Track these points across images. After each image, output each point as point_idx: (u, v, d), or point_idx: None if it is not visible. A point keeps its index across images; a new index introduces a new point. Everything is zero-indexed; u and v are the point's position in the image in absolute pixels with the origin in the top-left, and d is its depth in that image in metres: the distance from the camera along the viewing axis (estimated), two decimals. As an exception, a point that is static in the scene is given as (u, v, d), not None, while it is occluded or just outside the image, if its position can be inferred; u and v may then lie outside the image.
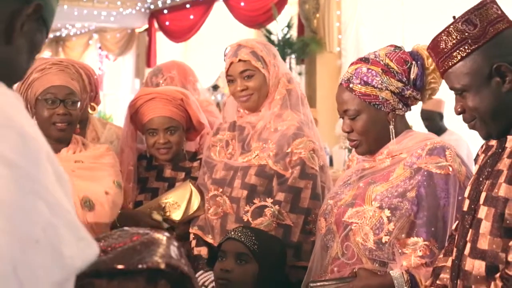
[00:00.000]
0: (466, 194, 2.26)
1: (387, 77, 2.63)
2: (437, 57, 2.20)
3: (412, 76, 2.65)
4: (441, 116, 7.14)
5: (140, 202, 3.53)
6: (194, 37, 13.49)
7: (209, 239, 3.30)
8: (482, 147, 2.34)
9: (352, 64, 2.75)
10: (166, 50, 14.88)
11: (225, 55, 3.42)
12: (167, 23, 14.19)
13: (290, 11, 10.81)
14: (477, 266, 2.07)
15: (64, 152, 3.19)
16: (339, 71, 10.54)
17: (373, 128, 2.67)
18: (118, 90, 16.53)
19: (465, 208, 2.22)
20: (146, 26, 15.03)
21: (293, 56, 10.40)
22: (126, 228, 1.82)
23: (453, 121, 6.62)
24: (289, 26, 10.46)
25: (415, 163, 2.59)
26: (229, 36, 12.77)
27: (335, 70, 10.59)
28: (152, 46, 14.96)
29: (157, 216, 3.38)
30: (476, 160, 2.35)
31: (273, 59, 3.37)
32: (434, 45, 2.21)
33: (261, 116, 3.36)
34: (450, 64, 2.16)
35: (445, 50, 2.16)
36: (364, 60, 2.70)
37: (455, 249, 2.23)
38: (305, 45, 10.29)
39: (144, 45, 15.18)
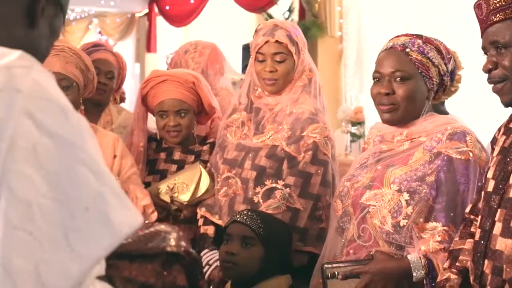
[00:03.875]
0: (490, 175, 2.24)
1: (439, 56, 2.63)
2: (489, 8, 2.18)
3: (450, 67, 2.66)
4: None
5: (149, 183, 3.54)
6: (194, 22, 13.43)
7: (216, 219, 3.31)
8: (499, 130, 2.33)
9: (401, 35, 2.71)
10: (166, 34, 14.83)
11: (256, 31, 3.39)
12: (167, 7, 14.13)
13: (292, -5, 10.78)
14: (510, 246, 2.06)
15: None
16: (340, 55, 10.52)
17: (415, 98, 2.63)
18: (117, 75, 16.48)
19: (490, 188, 2.20)
20: (146, 10, 14.97)
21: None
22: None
23: (454, 106, 6.64)
24: (290, 10, 10.44)
25: (435, 147, 2.57)
26: (230, 20, 12.77)
27: (336, 55, 10.57)
28: (152, 30, 14.91)
29: (166, 197, 3.40)
30: (493, 142, 2.34)
31: (303, 46, 3.36)
32: None
33: (279, 99, 3.34)
34: (503, 17, 2.15)
35: (502, 3, 2.15)
36: (416, 35, 2.67)
37: (479, 230, 2.21)
38: (306, 30, 10.23)
39: (144, 29, 15.12)
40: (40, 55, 1.33)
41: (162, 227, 1.77)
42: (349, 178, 2.78)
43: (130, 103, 14.99)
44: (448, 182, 2.51)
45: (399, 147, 2.69)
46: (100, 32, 16.91)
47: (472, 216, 2.41)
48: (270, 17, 10.45)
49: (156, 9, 14.66)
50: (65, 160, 1.04)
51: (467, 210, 2.45)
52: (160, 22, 14.73)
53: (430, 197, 2.50)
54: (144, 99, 3.62)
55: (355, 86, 10.10)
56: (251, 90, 3.42)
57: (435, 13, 9.11)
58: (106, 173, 1.11)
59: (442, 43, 2.69)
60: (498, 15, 2.17)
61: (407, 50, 2.62)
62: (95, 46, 3.96)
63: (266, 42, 3.27)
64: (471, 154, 2.52)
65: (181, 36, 14.44)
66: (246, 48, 10.15)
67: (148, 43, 15.00)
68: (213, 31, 13.26)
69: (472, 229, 2.37)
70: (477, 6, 2.27)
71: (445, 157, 2.53)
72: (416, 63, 2.61)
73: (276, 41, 3.26)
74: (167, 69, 4.28)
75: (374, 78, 2.72)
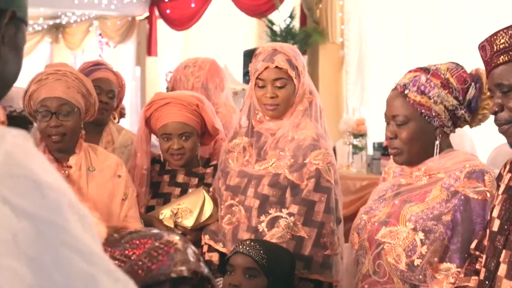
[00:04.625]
0: (495, 214, 2.23)
1: (445, 91, 2.57)
2: (492, 51, 2.18)
3: (468, 96, 2.59)
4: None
5: (152, 207, 3.53)
6: (195, 26, 13.44)
7: (220, 247, 3.30)
8: (505, 166, 2.32)
9: (410, 71, 2.69)
10: (167, 38, 14.83)
11: (255, 55, 3.36)
12: (168, 11, 14.14)
13: (292, 1, 10.76)
14: None
15: (72, 160, 3.23)
16: (342, 61, 10.52)
17: (418, 140, 2.62)
18: (118, 77, 16.49)
19: (495, 228, 2.20)
20: (147, 14, 14.98)
21: (295, 46, 10.34)
22: (137, 229, 1.84)
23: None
24: (291, 16, 10.42)
25: (453, 186, 2.55)
26: (231, 25, 12.76)
27: (337, 61, 10.56)
28: (153, 34, 14.91)
29: (169, 222, 3.39)
30: (499, 178, 2.33)
31: (303, 69, 3.33)
32: (493, 39, 2.18)
33: (281, 124, 3.32)
34: (507, 59, 2.14)
35: (506, 45, 2.14)
36: (425, 69, 2.64)
37: (483, 269, 2.21)
38: (308, 36, 10.26)
39: (145, 33, 15.12)
40: (10, 78, 1.29)
41: (171, 238, 1.75)
42: (367, 211, 2.77)
43: (131, 107, 15.07)
44: (464, 222, 2.49)
45: (417, 182, 2.67)
46: (100, 35, 16.91)
47: (477, 253, 2.39)
48: (271, 23, 10.44)
49: (156, 13, 14.66)
50: (47, 244, 0.97)
51: (473, 246, 2.43)
52: (161, 25, 14.73)
53: (445, 237, 2.49)
54: (147, 121, 3.60)
55: (357, 92, 10.11)
56: (252, 114, 3.39)
57: (436, 20, 9.10)
58: (92, 250, 1.03)
59: (457, 72, 2.63)
60: (502, 57, 2.16)
61: (406, 91, 2.60)
62: (96, 65, 3.95)
63: (266, 68, 3.25)
64: (488, 194, 2.49)
65: (181, 40, 14.44)
66: (247, 55, 10.16)
67: (149, 47, 15.00)
68: (214, 35, 13.26)
69: (477, 266, 2.36)
70: (481, 48, 2.25)
71: (462, 197, 2.51)
72: (415, 105, 2.59)
73: (276, 66, 3.23)
74: (167, 86, 4.27)
75: (385, 120, 2.73)
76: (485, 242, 2.30)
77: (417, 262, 2.50)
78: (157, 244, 1.70)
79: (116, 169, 3.33)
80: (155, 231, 1.74)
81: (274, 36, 10.35)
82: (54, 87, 3.17)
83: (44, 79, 3.19)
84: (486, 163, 6.95)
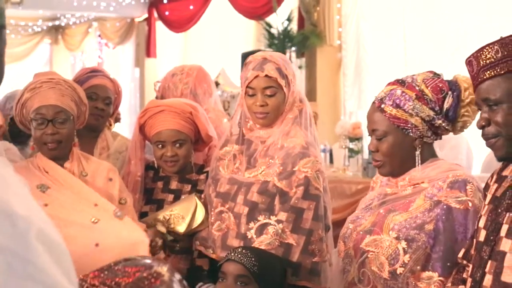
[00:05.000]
0: (481, 224, 2.26)
1: (420, 103, 2.62)
2: (479, 66, 2.21)
3: (445, 106, 2.63)
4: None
5: (146, 213, 3.57)
6: (194, 28, 13.46)
7: (210, 253, 3.34)
8: (492, 176, 2.34)
9: (388, 84, 2.74)
10: (166, 40, 14.85)
11: (245, 64, 3.39)
12: (166, 13, 14.16)
13: (290, 4, 10.78)
14: None
15: (66, 166, 3.27)
16: (339, 64, 10.54)
17: (398, 152, 2.68)
18: (117, 78, 16.49)
19: (481, 238, 2.23)
20: (146, 15, 15.00)
21: (293, 49, 10.39)
22: (131, 257, 1.87)
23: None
24: (289, 19, 10.44)
25: (436, 195, 2.58)
26: (229, 27, 12.78)
27: (335, 64, 10.58)
28: (152, 35, 14.93)
29: (162, 228, 3.42)
30: (486, 188, 2.36)
31: (293, 77, 3.35)
32: (479, 54, 2.22)
33: (271, 132, 3.35)
34: (493, 74, 2.17)
35: (492, 60, 2.18)
36: (401, 82, 2.69)
37: (470, 279, 2.25)
38: (305, 39, 10.28)
39: (144, 34, 15.14)
40: None
41: (158, 270, 1.78)
42: (354, 220, 2.82)
43: (129, 108, 15.07)
44: (447, 231, 2.53)
45: (402, 191, 2.71)
46: (100, 36, 16.92)
47: (464, 262, 2.42)
48: (269, 25, 10.46)
49: (155, 14, 14.68)
50: (14, 277, 0.98)
51: (460, 255, 2.46)
52: (160, 27, 14.75)
53: (428, 246, 2.52)
54: (141, 128, 3.64)
55: (354, 95, 10.12)
56: (243, 122, 3.42)
57: (433, 22, 9.12)
58: (57, 281, 1.03)
59: (432, 82, 2.66)
60: (488, 72, 2.19)
61: (382, 106, 2.67)
62: (93, 72, 3.98)
63: (256, 76, 3.28)
64: (470, 204, 2.53)
65: (180, 41, 14.46)
66: (245, 57, 10.15)
67: (148, 48, 15.02)
68: (212, 37, 13.29)
69: (465, 275, 2.39)
70: (468, 63, 2.29)
71: (445, 206, 2.55)
72: (391, 119, 2.65)
73: (266, 75, 3.26)
74: (156, 96, 4.31)
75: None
76: (472, 251, 2.33)
77: (399, 270, 2.54)
78: (145, 274, 1.73)
79: (108, 174, 3.36)
80: (147, 260, 1.77)
81: (272, 38, 10.37)
82: (49, 95, 3.21)
83: (38, 88, 3.22)
84: (481, 166, 6.99)
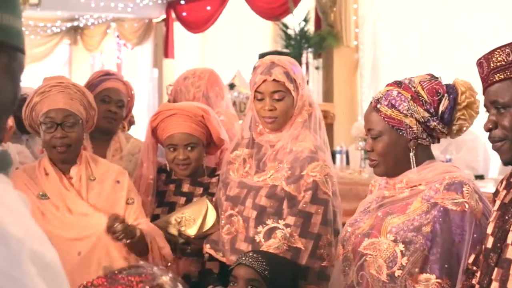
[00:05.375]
0: (489, 231, 2.26)
1: (415, 104, 2.61)
2: (489, 68, 2.20)
3: (441, 108, 2.62)
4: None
5: (157, 216, 3.59)
6: (211, 28, 13.50)
7: (219, 256, 3.35)
8: (501, 182, 2.33)
9: (387, 85, 2.74)
10: (183, 40, 14.89)
11: (254, 69, 3.40)
12: (184, 13, 14.19)
13: (307, 5, 10.78)
14: None
15: (73, 170, 3.30)
16: (356, 65, 10.53)
17: (392, 152, 2.68)
18: (136, 79, 16.59)
19: (489, 245, 2.22)
20: (164, 16, 15.04)
21: (310, 50, 10.39)
22: (136, 264, 1.88)
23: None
24: (305, 20, 10.44)
25: (433, 197, 2.58)
26: (246, 27, 12.80)
27: (352, 64, 10.58)
28: (170, 36, 14.97)
29: (173, 231, 3.45)
30: (495, 194, 2.34)
31: (302, 81, 3.35)
32: (490, 56, 2.21)
33: (280, 136, 3.35)
34: (503, 77, 2.17)
35: (502, 63, 2.17)
36: (398, 83, 2.69)
37: (477, 286, 2.24)
38: (322, 39, 10.28)
39: (162, 35, 15.19)
40: (5, 112, 1.28)
41: (161, 281, 1.80)
42: (352, 223, 2.82)
43: (148, 108, 15.14)
44: (444, 233, 2.53)
45: (400, 194, 2.72)
46: (118, 36, 16.99)
47: (474, 268, 2.42)
48: (286, 26, 10.46)
49: (173, 15, 14.71)
50: None
51: (470, 260, 2.46)
52: (178, 28, 14.78)
53: (425, 248, 2.52)
54: (154, 131, 3.66)
55: (371, 95, 10.03)
56: (253, 126, 3.44)
57: (450, 23, 9.09)
58: None
59: (429, 84, 2.66)
60: (498, 75, 2.18)
61: (378, 106, 2.67)
62: (106, 75, 4.01)
63: (264, 81, 3.28)
64: (467, 206, 2.53)
65: (198, 42, 14.49)
66: (262, 58, 10.13)
67: (166, 49, 15.06)
68: (229, 38, 13.31)
69: (474, 281, 2.38)
70: (479, 64, 2.27)
71: (441, 208, 2.55)
72: (386, 119, 2.65)
73: (274, 79, 3.26)
74: (168, 99, 4.33)
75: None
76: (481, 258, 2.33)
77: (397, 273, 2.54)
78: (148, 287, 1.74)
79: (116, 177, 3.39)
80: (150, 269, 1.78)
81: (288, 39, 10.38)
82: (58, 99, 3.24)
83: (47, 91, 3.25)
84: (498, 169, 6.95)
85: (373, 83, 10.09)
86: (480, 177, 6.77)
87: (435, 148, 7.08)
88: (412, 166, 2.69)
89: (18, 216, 1.05)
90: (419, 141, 2.68)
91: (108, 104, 3.88)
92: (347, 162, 8.25)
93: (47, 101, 3.24)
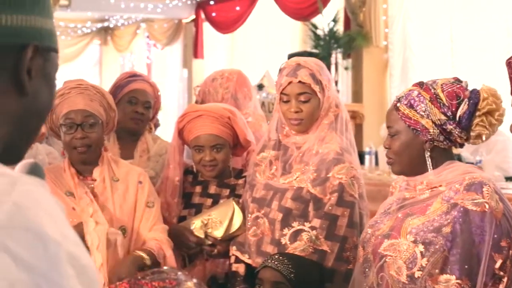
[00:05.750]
0: None
1: (432, 106, 2.59)
2: None
3: (459, 112, 2.59)
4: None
5: (184, 217, 3.59)
6: (240, 29, 13.52)
7: (246, 258, 3.34)
8: None
9: (412, 85, 2.74)
10: (213, 41, 14.92)
11: (280, 70, 3.39)
12: (213, 14, 14.23)
13: (336, 5, 10.75)
14: None
15: (96, 172, 3.31)
16: (386, 65, 10.49)
17: (407, 152, 2.67)
18: (165, 79, 16.67)
19: None
20: (193, 16, 15.09)
21: (339, 50, 10.36)
22: (159, 269, 1.88)
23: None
24: (335, 20, 10.41)
25: (453, 198, 2.56)
26: (275, 28, 12.80)
27: (381, 65, 10.53)
28: (199, 36, 15.02)
29: (199, 232, 3.45)
30: None
31: (328, 82, 3.33)
32: None
33: (306, 138, 3.34)
34: None
35: None
36: (420, 84, 2.68)
37: None
38: (352, 40, 10.25)
39: (191, 35, 15.24)
40: (42, 115, 1.28)
41: (184, 286, 1.79)
42: (372, 225, 2.81)
43: (178, 108, 15.20)
44: (464, 234, 2.50)
45: (420, 195, 2.70)
46: (148, 37, 17.07)
47: (501, 273, 2.39)
48: (315, 27, 10.44)
49: (202, 16, 14.75)
50: None
51: (497, 265, 2.43)
52: (207, 28, 14.82)
53: (445, 249, 2.50)
54: (180, 133, 3.66)
55: (401, 96, 10.03)
56: (279, 128, 3.43)
57: (481, 22, 9.02)
58: None
59: (450, 87, 2.63)
60: None
61: (398, 104, 2.67)
62: (132, 76, 4.03)
63: (290, 82, 3.27)
64: (487, 206, 2.50)
65: (227, 42, 14.52)
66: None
67: (195, 49, 15.12)
68: (258, 38, 13.32)
69: (500, 287, 2.36)
70: (508, 64, 2.26)
71: (461, 209, 2.52)
72: (403, 118, 2.65)
73: (299, 81, 3.25)
74: (196, 100, 4.33)
75: None
76: (508, 263, 2.30)
77: (417, 274, 2.52)
78: None
79: (138, 178, 3.40)
80: (174, 275, 1.78)
81: (318, 40, 10.36)
82: (77, 101, 3.25)
83: (67, 93, 3.26)
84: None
85: (402, 84, 10.02)
86: (510, 178, 6.71)
87: (464, 150, 7.07)
88: (429, 168, 2.67)
89: (55, 219, 1.06)
90: (435, 143, 2.66)
91: (135, 106, 3.90)
92: (376, 163, 8.21)
93: (66, 102, 3.25)
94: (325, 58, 9.77)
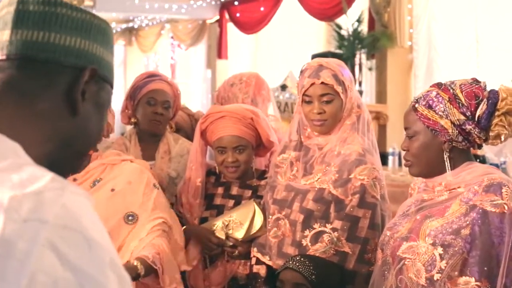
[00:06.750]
0: None
1: (451, 106, 2.58)
2: None
3: (478, 112, 2.57)
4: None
5: (206, 219, 3.59)
6: (264, 29, 13.53)
7: (266, 260, 3.33)
8: None
9: (430, 86, 2.73)
10: (237, 41, 14.94)
11: (301, 72, 3.38)
12: (237, 14, 14.25)
13: (361, 5, 10.72)
14: None
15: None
16: (411, 66, 10.44)
17: (425, 153, 2.65)
18: (190, 79, 16.72)
19: None
20: (217, 17, 15.11)
21: (363, 51, 10.33)
22: None
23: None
24: (359, 20, 10.38)
25: (471, 200, 2.54)
26: (299, 28, 12.79)
27: (406, 65, 10.49)
28: (223, 37, 15.04)
29: (221, 233, 3.45)
30: None
31: (350, 83, 3.32)
32: None
33: (329, 139, 3.33)
34: None
35: None
36: (439, 85, 2.66)
37: None
38: (376, 40, 10.21)
39: (215, 36, 15.27)
40: (90, 139, 1.32)
41: None
42: (391, 227, 2.79)
43: (202, 108, 15.25)
44: (483, 235, 2.48)
45: (439, 197, 2.68)
46: (172, 37, 17.13)
47: None
48: (339, 27, 10.42)
49: (227, 16, 14.78)
50: None
51: None
52: (231, 29, 14.84)
53: (464, 251, 2.48)
54: (203, 134, 3.65)
55: (425, 97, 9.98)
56: (301, 130, 3.41)
57: (506, 22, 8.96)
58: None
59: (469, 87, 2.61)
60: None
61: (416, 105, 2.65)
62: (151, 76, 4.02)
63: (312, 84, 3.26)
64: (506, 207, 2.47)
65: (251, 43, 14.53)
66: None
67: (219, 50, 15.15)
68: (282, 38, 13.32)
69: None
70: None
71: (480, 210, 2.50)
72: (421, 119, 2.63)
73: (322, 82, 3.24)
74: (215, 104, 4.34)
75: None
76: None
77: (436, 276, 2.50)
78: None
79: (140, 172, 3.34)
80: None
81: (342, 40, 10.34)
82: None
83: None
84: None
85: (427, 84, 9.93)
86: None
87: (488, 151, 6.95)
88: (447, 169, 2.65)
89: (98, 226, 1.09)
90: (453, 144, 2.63)
91: (154, 106, 3.89)
92: (400, 164, 8.17)
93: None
94: (349, 59, 9.75)
